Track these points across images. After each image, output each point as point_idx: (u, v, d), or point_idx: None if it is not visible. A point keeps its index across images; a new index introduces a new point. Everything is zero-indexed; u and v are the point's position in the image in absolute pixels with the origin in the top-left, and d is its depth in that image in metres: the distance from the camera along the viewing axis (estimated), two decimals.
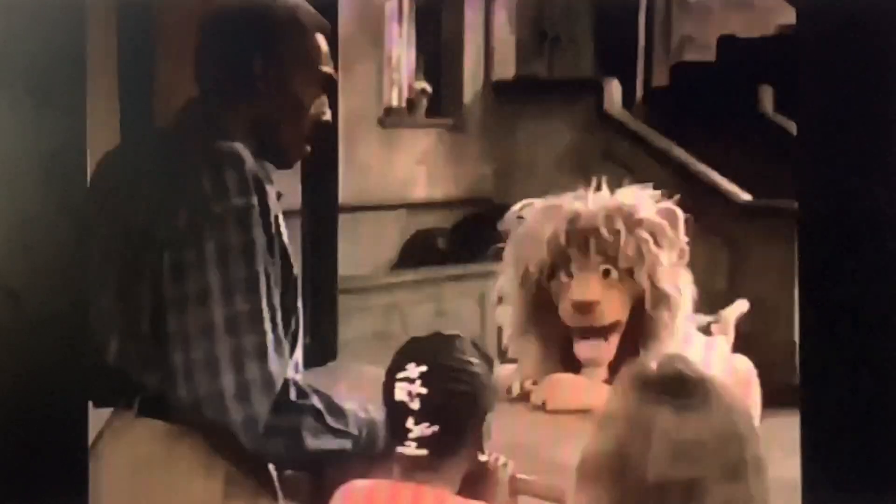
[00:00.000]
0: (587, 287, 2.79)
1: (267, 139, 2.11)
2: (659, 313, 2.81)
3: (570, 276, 2.82)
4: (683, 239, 2.89)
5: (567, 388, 2.82)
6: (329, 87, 2.19)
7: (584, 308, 2.79)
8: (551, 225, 2.86)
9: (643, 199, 2.88)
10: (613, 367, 2.80)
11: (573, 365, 2.86)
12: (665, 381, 1.50)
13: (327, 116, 2.18)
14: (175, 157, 2.03)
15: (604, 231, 2.79)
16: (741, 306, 3.33)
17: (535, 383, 2.90)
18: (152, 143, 2.21)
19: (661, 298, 2.81)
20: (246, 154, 1.99)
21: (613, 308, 2.80)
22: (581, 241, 2.83)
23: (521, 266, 2.91)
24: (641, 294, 2.81)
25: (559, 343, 2.89)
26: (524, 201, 2.99)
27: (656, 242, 2.81)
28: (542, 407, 2.82)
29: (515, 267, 2.93)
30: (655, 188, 2.95)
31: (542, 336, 2.92)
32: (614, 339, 2.82)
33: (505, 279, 2.98)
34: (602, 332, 2.81)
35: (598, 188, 2.91)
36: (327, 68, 2.17)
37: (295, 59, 2.12)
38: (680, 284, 2.86)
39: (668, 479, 1.44)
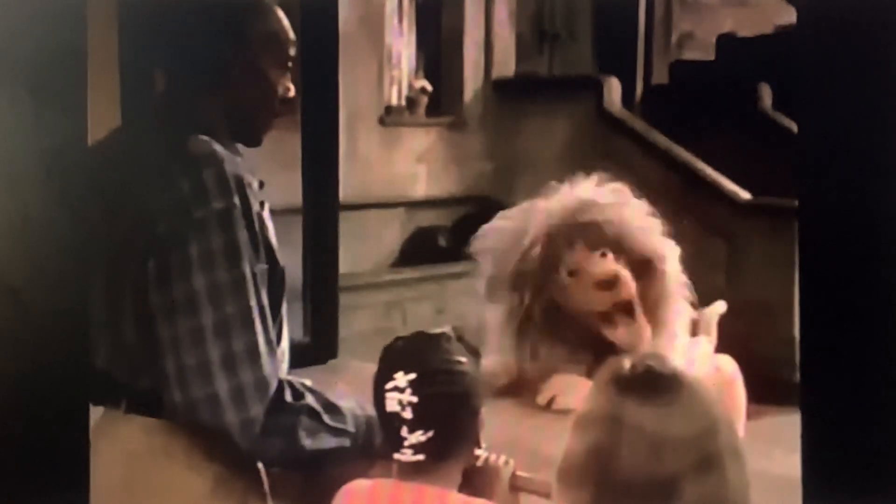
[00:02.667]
0: (601, 264, 2.77)
1: (238, 122, 2.09)
2: (659, 278, 2.79)
3: (571, 271, 2.79)
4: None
5: (573, 388, 2.80)
6: (292, 61, 2.17)
7: (608, 284, 2.75)
8: (531, 226, 2.84)
9: (606, 195, 2.88)
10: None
11: (599, 359, 2.81)
12: (636, 378, 1.51)
13: (292, 93, 2.16)
14: (151, 160, 2.00)
15: (583, 218, 2.78)
16: (719, 307, 3.32)
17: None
18: (125, 142, 2.14)
19: (654, 263, 2.79)
20: (223, 152, 1.97)
21: (629, 282, 2.78)
22: (565, 237, 2.81)
23: (504, 271, 2.87)
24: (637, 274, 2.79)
25: (577, 343, 2.84)
26: (499, 214, 2.95)
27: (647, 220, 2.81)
28: (547, 406, 2.80)
29: (498, 273, 2.89)
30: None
31: (559, 342, 2.88)
32: (641, 319, 2.79)
33: (486, 287, 2.94)
34: (628, 311, 2.78)
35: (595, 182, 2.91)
36: (292, 47, 2.15)
37: (263, 42, 2.09)
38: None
39: (643, 475, 1.45)
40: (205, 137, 1.99)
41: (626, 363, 1.54)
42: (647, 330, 2.76)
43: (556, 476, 1.54)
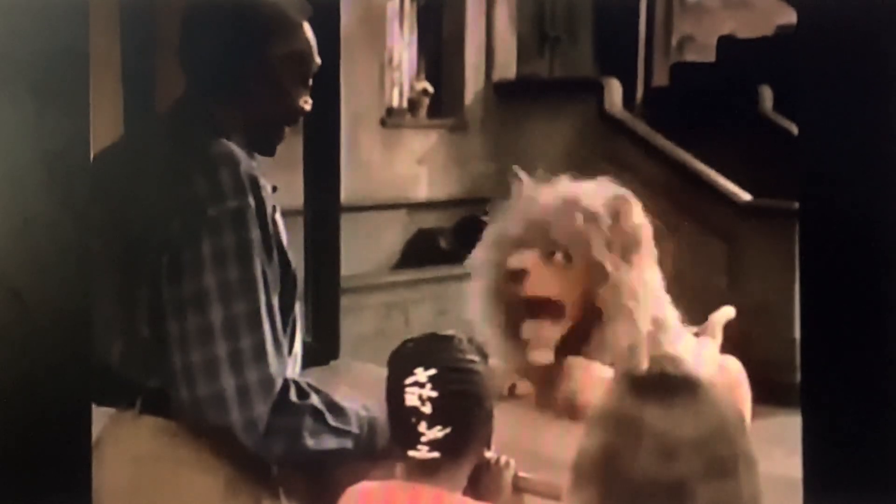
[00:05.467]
0: (520, 258, 2.82)
1: (256, 132, 2.10)
2: (601, 292, 2.81)
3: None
4: (638, 224, 2.88)
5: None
6: (313, 76, 2.17)
7: (514, 276, 2.80)
8: (510, 220, 2.88)
9: (587, 189, 2.90)
10: (564, 355, 2.81)
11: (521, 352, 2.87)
12: (653, 380, 1.52)
13: (308, 106, 2.16)
14: (169, 158, 2.01)
15: (545, 218, 2.81)
16: (728, 312, 3.35)
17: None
18: (144, 142, 2.17)
19: (600, 276, 2.82)
20: (240, 154, 1.98)
21: (547, 283, 2.80)
22: (534, 232, 2.85)
23: (486, 264, 2.94)
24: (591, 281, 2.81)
25: (513, 329, 2.90)
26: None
27: (592, 223, 2.82)
28: (510, 393, 2.83)
29: (481, 265, 2.96)
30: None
31: (500, 324, 2.93)
32: (561, 323, 2.82)
33: (473, 274, 3.01)
34: (547, 311, 2.81)
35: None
36: (315, 64, 2.15)
37: (286, 61, 2.09)
38: (637, 272, 2.85)
39: (656, 477, 1.45)
40: (223, 139, 2.00)
41: (643, 364, 1.54)
42: (554, 332, 2.80)
43: (571, 474, 1.54)
